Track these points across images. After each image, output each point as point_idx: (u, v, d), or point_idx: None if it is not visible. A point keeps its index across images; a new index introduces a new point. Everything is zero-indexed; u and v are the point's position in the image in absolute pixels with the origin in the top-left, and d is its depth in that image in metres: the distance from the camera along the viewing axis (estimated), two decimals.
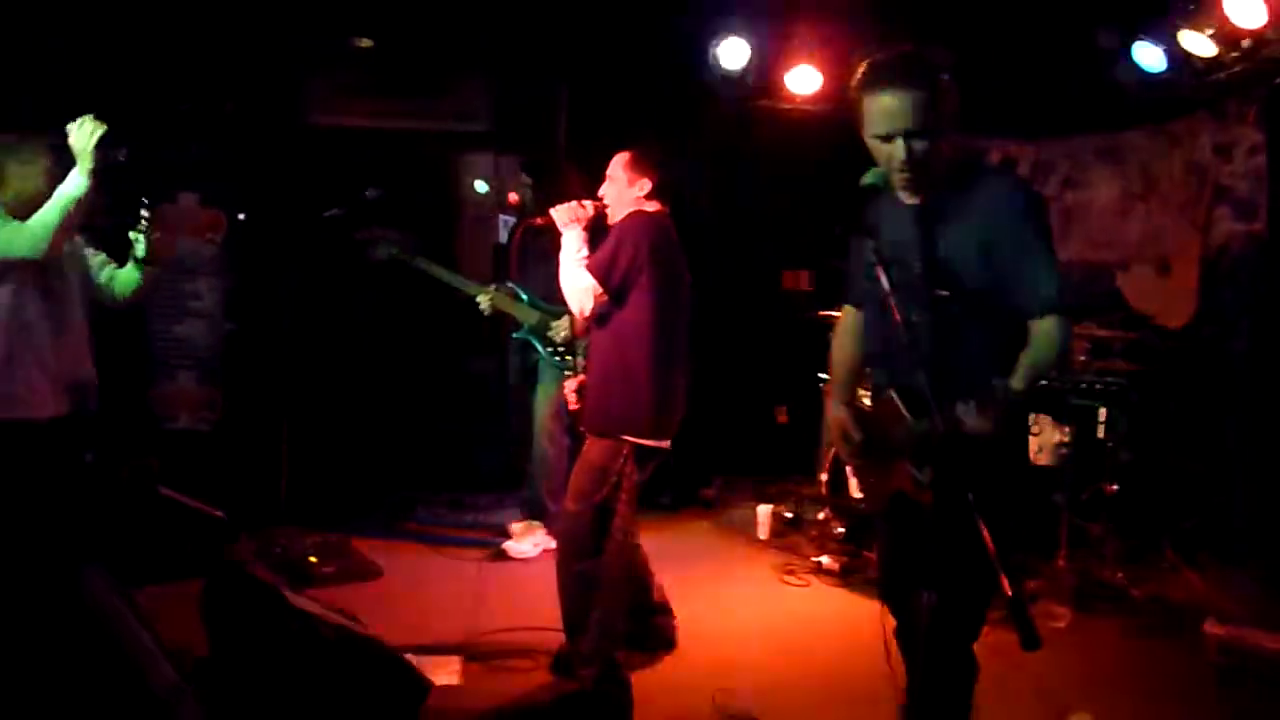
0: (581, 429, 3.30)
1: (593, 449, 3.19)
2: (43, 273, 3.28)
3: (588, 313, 3.13)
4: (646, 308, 3.13)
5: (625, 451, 3.13)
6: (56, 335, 3.33)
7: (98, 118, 3.19)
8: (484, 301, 4.72)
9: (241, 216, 5.80)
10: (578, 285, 3.10)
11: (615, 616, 3.20)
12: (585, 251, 3.15)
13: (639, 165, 3.21)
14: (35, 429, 3.27)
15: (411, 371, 6.13)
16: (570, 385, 3.38)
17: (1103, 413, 4.59)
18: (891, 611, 2.39)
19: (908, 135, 2.10)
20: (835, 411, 2.42)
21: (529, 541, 4.84)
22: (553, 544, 4.96)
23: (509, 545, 4.83)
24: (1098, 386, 4.57)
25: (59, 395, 3.35)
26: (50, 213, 3.14)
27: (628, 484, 3.15)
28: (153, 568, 3.82)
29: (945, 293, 2.12)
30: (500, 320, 4.80)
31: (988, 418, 1.81)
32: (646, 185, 3.19)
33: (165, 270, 3.23)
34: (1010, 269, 2.11)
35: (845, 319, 2.56)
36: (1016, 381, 2.02)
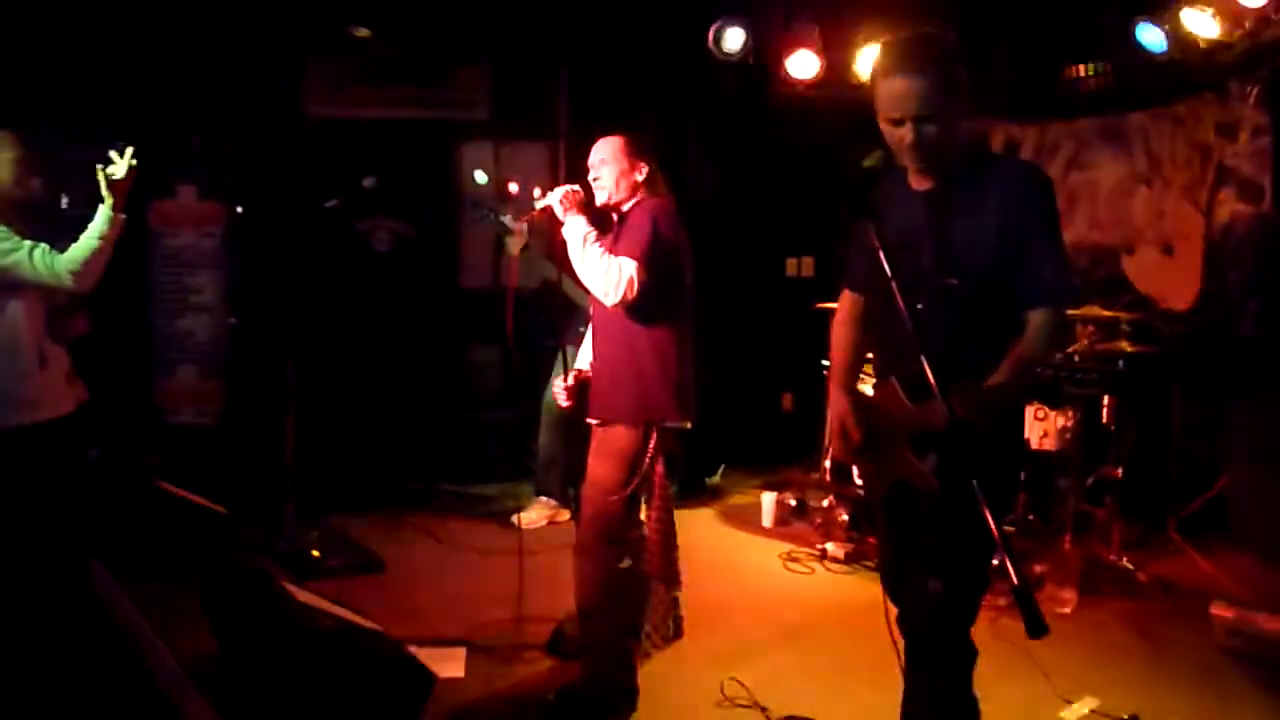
0: (595, 420, 3.16)
1: (619, 438, 3.05)
2: None
3: (629, 299, 2.93)
4: (676, 289, 3.10)
5: (655, 436, 3.07)
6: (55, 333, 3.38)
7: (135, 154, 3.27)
8: None
9: (240, 209, 5.79)
10: (615, 272, 2.92)
11: (635, 605, 3.16)
12: (595, 233, 3.03)
13: (636, 149, 3.13)
14: (55, 427, 3.31)
15: (414, 361, 6.13)
16: (565, 384, 3.24)
17: (1106, 396, 4.57)
18: (891, 599, 2.38)
19: (918, 120, 2.08)
20: (836, 401, 2.39)
21: (536, 513, 5.12)
22: (561, 517, 5.08)
23: (518, 517, 5.04)
24: (1094, 375, 4.54)
25: (70, 392, 3.42)
26: (80, 250, 3.20)
27: (660, 468, 3.10)
28: (155, 563, 3.82)
29: (955, 281, 2.10)
30: (500, 309, 4.79)
31: (974, 415, 1.81)
32: (645, 170, 3.12)
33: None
34: (1014, 256, 2.09)
35: (844, 305, 2.53)
36: (999, 376, 2.03)
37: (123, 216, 3.26)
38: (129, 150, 3.26)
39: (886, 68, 2.11)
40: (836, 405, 2.39)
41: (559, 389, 3.27)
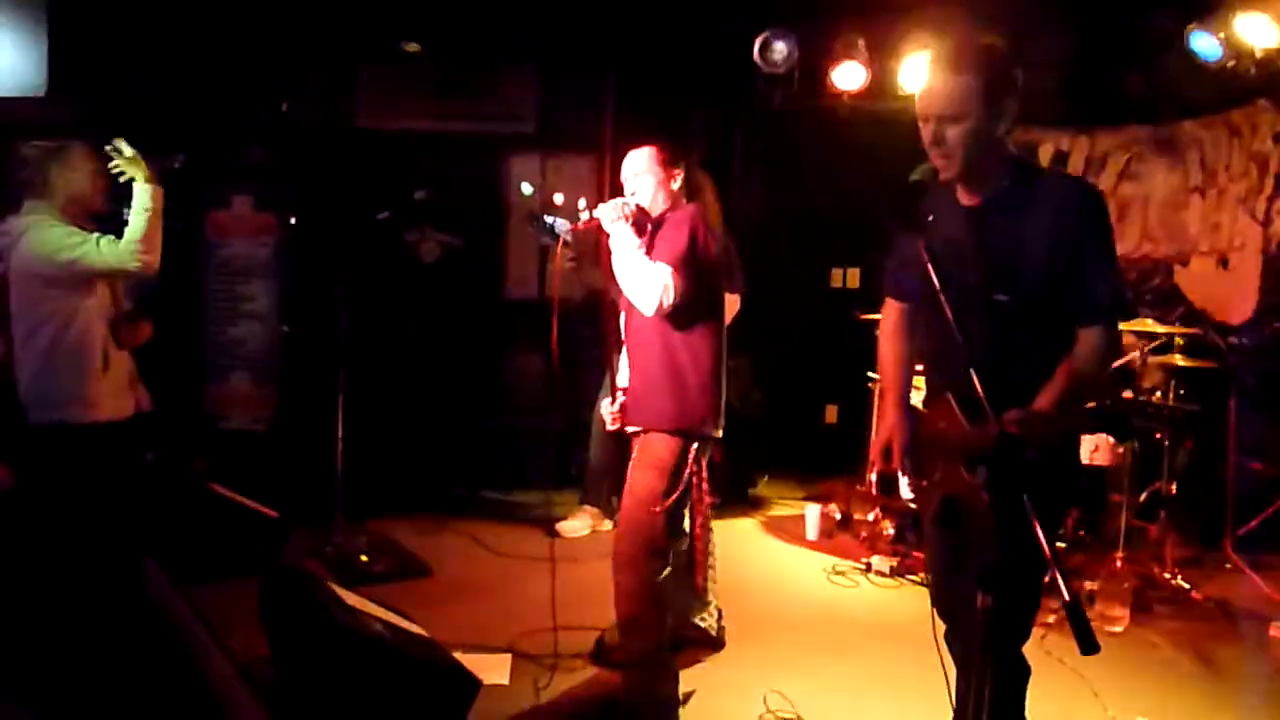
0: (633, 429, 3.17)
1: (660, 448, 3.05)
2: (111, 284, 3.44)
3: (667, 306, 2.95)
4: (711, 297, 3.12)
5: (696, 445, 3.08)
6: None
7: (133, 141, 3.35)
8: None
9: (293, 220, 5.90)
10: (653, 280, 2.95)
11: (677, 616, 3.16)
12: (639, 243, 3.05)
13: (668, 157, 3.14)
14: (115, 429, 3.41)
15: (460, 370, 6.20)
16: (611, 411, 3.24)
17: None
18: (940, 615, 2.36)
19: (940, 119, 2.07)
20: (886, 418, 2.37)
21: (579, 521, 5.17)
22: (604, 527, 5.10)
23: (562, 525, 5.10)
24: (1165, 411, 4.45)
25: (131, 396, 3.52)
26: (134, 229, 3.30)
27: (700, 478, 3.12)
28: (209, 566, 3.89)
29: (1004, 297, 2.08)
30: (545, 319, 4.83)
31: (1029, 434, 1.81)
32: (679, 176, 3.14)
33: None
34: (1066, 272, 2.07)
35: (890, 315, 2.51)
36: (1051, 393, 2.02)
37: (160, 188, 3.35)
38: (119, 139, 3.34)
39: (929, 66, 2.13)
40: (887, 421, 2.37)
41: (606, 412, 3.28)
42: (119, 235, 3.30)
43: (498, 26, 6.01)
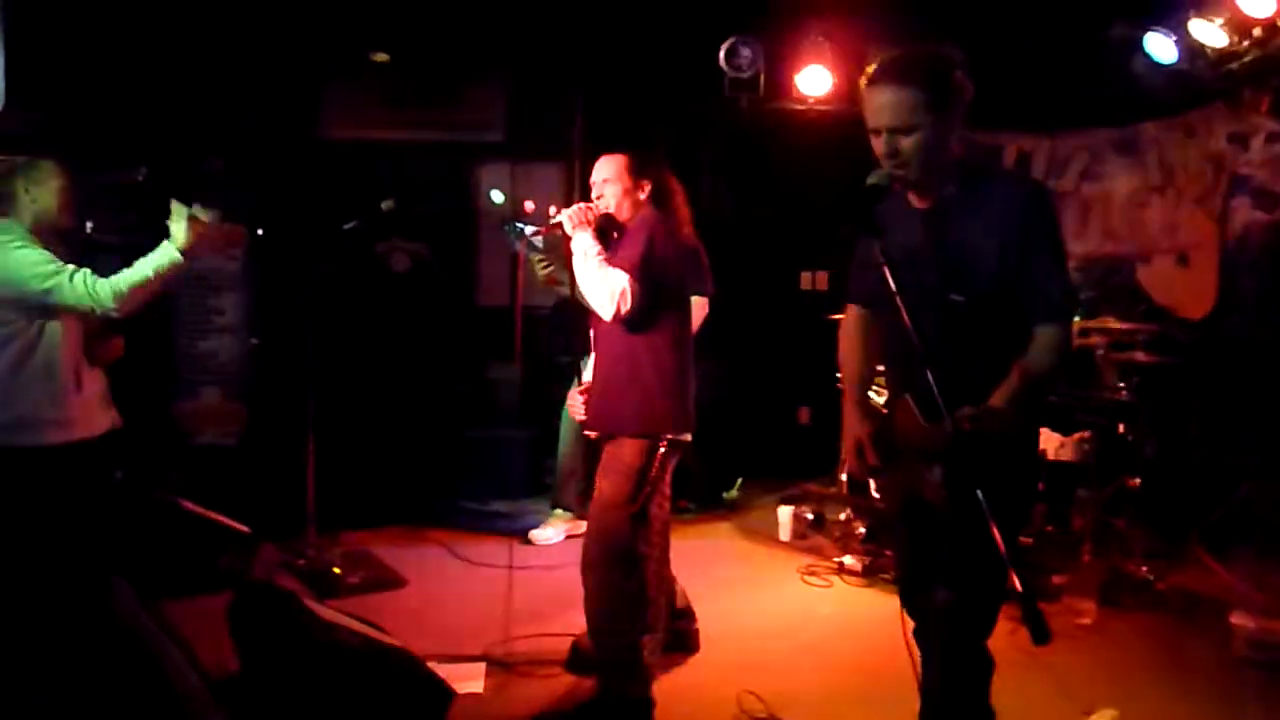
0: (597, 432, 3.22)
1: (626, 451, 3.09)
2: None
3: (624, 312, 3.00)
4: (673, 300, 3.15)
5: (662, 448, 3.11)
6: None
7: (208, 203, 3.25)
8: None
9: (260, 231, 5.88)
10: (610, 285, 2.99)
11: (645, 619, 3.18)
12: (598, 248, 3.09)
13: (639, 168, 3.18)
14: (86, 448, 3.34)
15: (433, 380, 6.19)
16: (579, 395, 3.32)
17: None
18: (908, 611, 2.40)
19: (892, 131, 2.11)
20: (851, 417, 2.41)
21: (553, 529, 5.14)
22: (577, 531, 5.11)
23: (535, 534, 5.10)
24: (1108, 404, 4.52)
25: (103, 414, 3.44)
26: (131, 278, 3.16)
27: (665, 481, 3.14)
28: (179, 582, 3.87)
29: (959, 298, 2.12)
30: (511, 326, 4.85)
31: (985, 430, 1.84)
32: (648, 188, 3.18)
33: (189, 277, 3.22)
34: (1017, 272, 2.11)
35: (850, 319, 2.55)
36: (1006, 391, 2.04)
37: (186, 262, 3.21)
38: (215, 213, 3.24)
39: (872, 80, 2.15)
40: (852, 422, 2.41)
41: (574, 401, 3.33)
42: (84, 253, 3.22)
43: (464, 35, 6.02)
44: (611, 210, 3.17)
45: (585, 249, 3.07)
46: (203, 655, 2.89)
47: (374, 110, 6.24)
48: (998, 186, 2.21)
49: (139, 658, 2.74)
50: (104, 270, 3.22)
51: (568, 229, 3.12)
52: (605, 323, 3.09)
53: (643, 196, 3.17)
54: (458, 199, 6.45)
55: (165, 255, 3.19)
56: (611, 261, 3.05)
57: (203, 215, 3.21)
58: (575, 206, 3.15)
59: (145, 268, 3.18)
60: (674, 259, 3.11)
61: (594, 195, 3.20)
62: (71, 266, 3.19)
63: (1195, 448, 4.96)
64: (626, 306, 3.00)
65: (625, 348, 3.10)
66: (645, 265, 3.02)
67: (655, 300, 3.05)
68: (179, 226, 3.20)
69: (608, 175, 3.18)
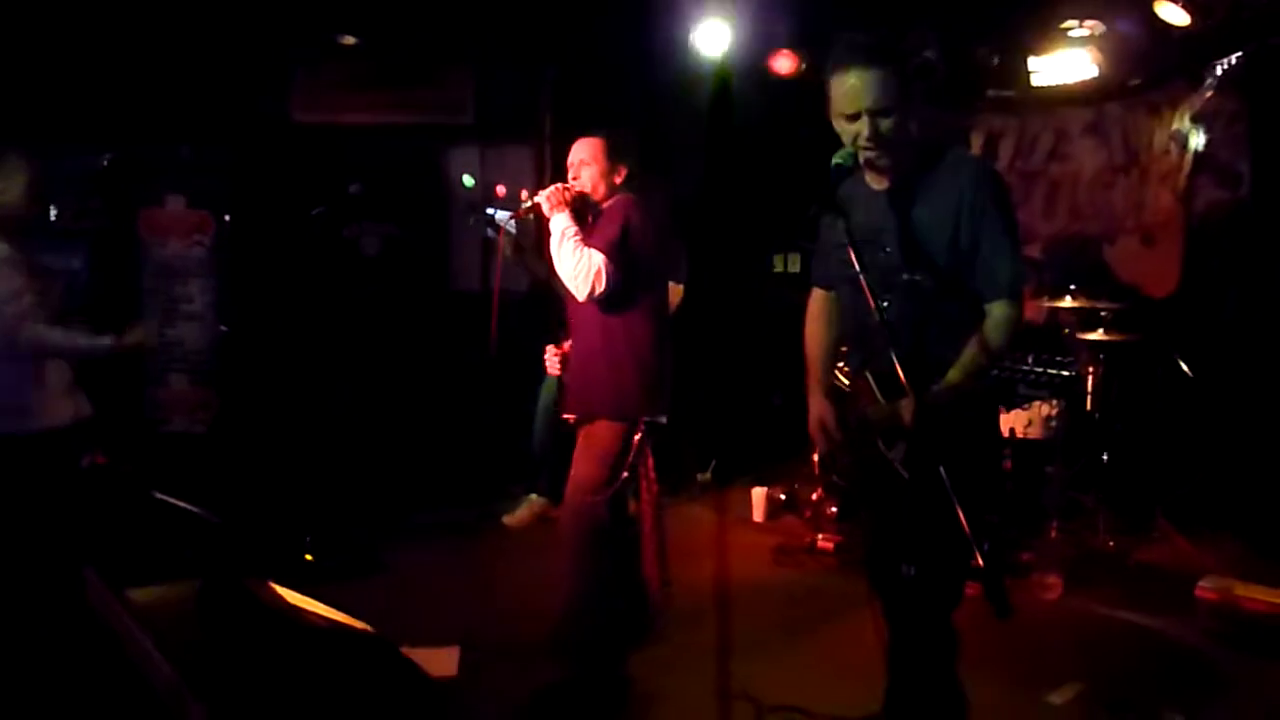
0: (575, 416, 3.23)
1: (602, 436, 3.11)
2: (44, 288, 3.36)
3: (599, 292, 3.02)
4: (648, 283, 3.15)
5: (639, 431, 3.12)
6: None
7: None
8: None
9: (228, 217, 5.82)
10: (586, 265, 3.00)
11: (620, 600, 3.20)
12: (575, 229, 3.09)
13: (616, 151, 3.19)
14: (52, 437, 3.35)
15: (406, 364, 6.16)
16: (555, 353, 3.34)
17: (1090, 383, 4.63)
18: (875, 588, 2.42)
19: (872, 114, 2.11)
20: (813, 400, 2.44)
21: (527, 512, 5.19)
22: (551, 515, 5.11)
23: (508, 517, 5.16)
24: (1046, 377, 4.54)
25: (70, 403, 3.44)
26: (60, 342, 3.29)
27: (648, 464, 3.16)
28: (148, 571, 3.84)
29: (919, 276, 2.14)
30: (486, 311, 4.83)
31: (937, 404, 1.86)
32: (624, 172, 3.18)
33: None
34: (969, 250, 2.13)
35: (815, 302, 2.58)
36: (957, 368, 2.07)
37: (113, 351, 3.38)
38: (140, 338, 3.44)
39: (840, 63, 2.15)
40: (814, 403, 2.44)
41: (549, 358, 3.34)
42: (47, 248, 3.21)
43: (434, 18, 5.96)
44: (587, 191, 3.17)
45: (563, 229, 3.08)
46: (172, 643, 2.87)
47: (343, 94, 6.17)
48: (949, 166, 2.23)
49: (108, 646, 2.72)
50: (67, 257, 3.20)
51: (545, 210, 3.12)
52: (582, 307, 3.09)
53: (618, 180, 3.18)
54: (429, 182, 6.40)
55: (100, 348, 3.37)
56: (587, 242, 3.06)
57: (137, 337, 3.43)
58: (552, 187, 3.16)
59: (76, 344, 3.35)
60: (650, 242, 3.12)
61: (570, 176, 3.21)
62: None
63: (1161, 424, 5.03)
64: (602, 287, 3.01)
65: (601, 331, 3.11)
66: (621, 246, 3.03)
67: (631, 281, 3.06)
68: (136, 337, 3.43)
69: (584, 156, 3.19)
